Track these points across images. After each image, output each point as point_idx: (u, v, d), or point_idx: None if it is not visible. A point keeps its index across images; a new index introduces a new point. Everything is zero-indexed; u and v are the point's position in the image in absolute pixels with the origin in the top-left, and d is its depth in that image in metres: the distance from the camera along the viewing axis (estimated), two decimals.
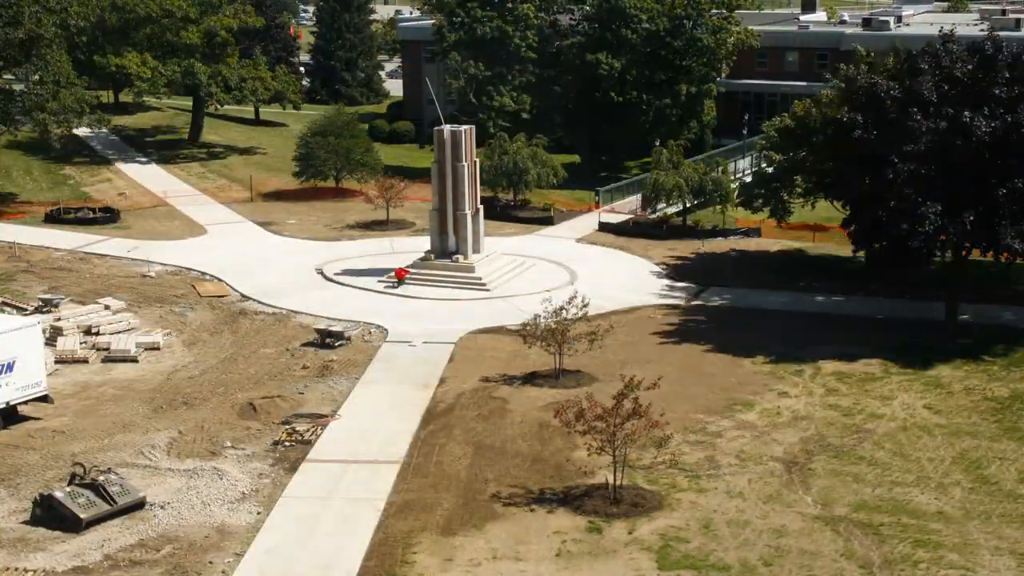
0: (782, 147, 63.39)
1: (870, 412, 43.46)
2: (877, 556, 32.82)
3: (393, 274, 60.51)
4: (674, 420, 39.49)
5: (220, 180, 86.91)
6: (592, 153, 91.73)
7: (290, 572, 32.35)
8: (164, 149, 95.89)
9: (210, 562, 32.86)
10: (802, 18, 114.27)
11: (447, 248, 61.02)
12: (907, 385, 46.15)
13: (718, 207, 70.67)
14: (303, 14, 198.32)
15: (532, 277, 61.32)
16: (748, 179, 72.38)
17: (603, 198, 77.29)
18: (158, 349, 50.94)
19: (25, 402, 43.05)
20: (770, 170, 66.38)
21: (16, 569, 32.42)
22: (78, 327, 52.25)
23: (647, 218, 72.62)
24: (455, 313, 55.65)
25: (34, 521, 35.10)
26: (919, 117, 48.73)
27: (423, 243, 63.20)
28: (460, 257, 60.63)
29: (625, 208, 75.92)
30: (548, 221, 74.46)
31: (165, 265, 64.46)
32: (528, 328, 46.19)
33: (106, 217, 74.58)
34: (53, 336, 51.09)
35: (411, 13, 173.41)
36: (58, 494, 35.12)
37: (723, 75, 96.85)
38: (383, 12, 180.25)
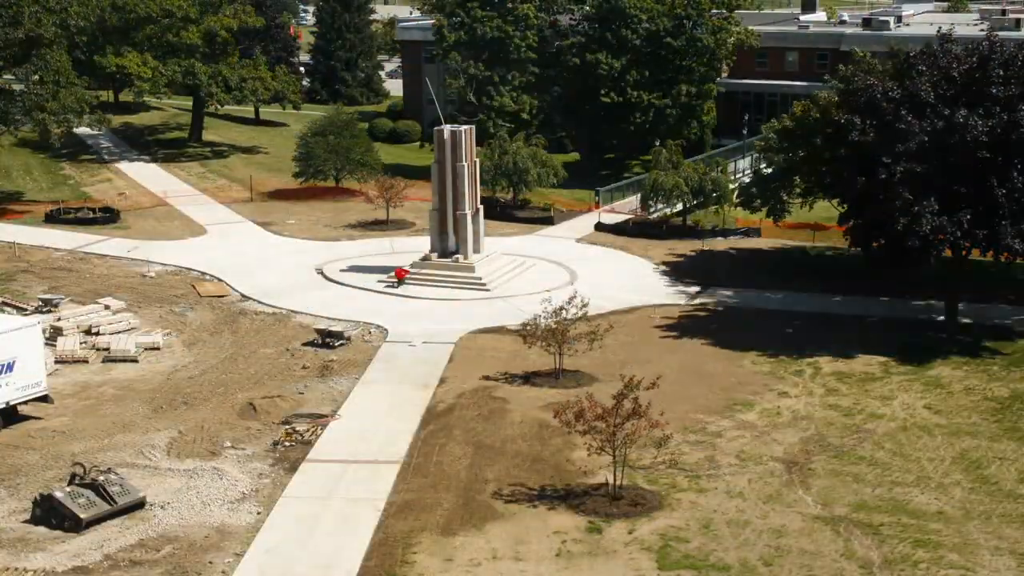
0: (781, 148, 63.40)
1: (870, 412, 43.47)
2: (877, 556, 32.83)
3: (393, 274, 60.54)
4: (674, 420, 39.49)
5: (220, 180, 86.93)
6: (592, 153, 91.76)
7: (290, 572, 32.36)
8: (164, 149, 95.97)
9: (210, 562, 32.87)
10: (802, 18, 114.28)
11: (447, 248, 61.02)
12: (907, 385, 46.17)
13: (718, 207, 70.67)
14: (303, 14, 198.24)
15: (532, 277, 61.33)
16: (747, 179, 72.36)
17: (603, 198, 77.31)
18: (158, 349, 50.94)
19: (25, 402, 43.07)
20: (769, 171, 66.42)
21: (16, 569, 32.43)
22: (78, 327, 52.26)
23: (647, 218, 72.64)
24: (455, 313, 55.65)
25: (34, 521, 35.12)
26: (911, 119, 48.83)
27: (423, 243, 63.20)
28: (460, 257, 60.64)
29: (625, 208, 75.94)
30: (548, 221, 74.47)
31: (165, 265, 64.47)
32: (528, 328, 46.21)
33: (106, 217, 74.57)
34: (53, 336, 51.10)
35: (411, 13, 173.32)
36: (58, 494, 35.12)
37: (723, 75, 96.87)
38: (383, 12, 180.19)
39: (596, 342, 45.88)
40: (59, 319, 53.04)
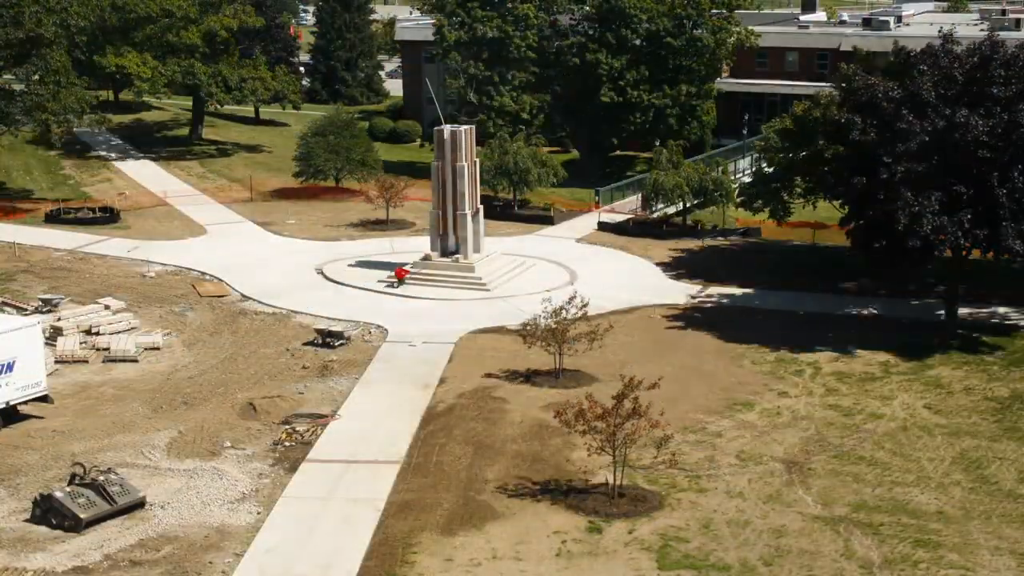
0: (782, 148, 63.36)
1: (870, 412, 43.47)
2: (877, 556, 32.82)
3: (393, 274, 60.53)
4: (674, 420, 39.48)
5: (220, 180, 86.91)
6: (592, 153, 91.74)
7: (290, 572, 32.35)
8: (164, 149, 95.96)
9: (210, 562, 32.87)
10: (802, 18, 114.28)
11: (447, 248, 61.02)
12: (907, 385, 46.17)
13: (718, 207, 70.67)
14: (303, 14, 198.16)
15: (532, 277, 61.31)
16: (748, 179, 72.36)
17: (603, 198, 77.31)
18: (158, 349, 50.94)
19: (25, 402, 43.07)
20: (769, 171, 66.39)
21: (16, 569, 32.44)
22: (78, 327, 52.24)
23: (647, 218, 72.64)
24: (455, 313, 55.64)
25: (34, 521, 35.11)
26: (911, 118, 48.82)
27: (423, 243, 63.19)
28: (460, 257, 60.63)
29: (625, 208, 75.93)
30: (548, 221, 74.44)
31: (165, 265, 64.46)
32: (528, 328, 46.21)
33: (106, 217, 74.56)
34: (53, 336, 51.09)
35: (411, 13, 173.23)
36: (58, 494, 35.12)
37: (723, 75, 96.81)
38: (383, 12, 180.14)
39: (596, 342, 45.86)
40: (59, 319, 53.03)
